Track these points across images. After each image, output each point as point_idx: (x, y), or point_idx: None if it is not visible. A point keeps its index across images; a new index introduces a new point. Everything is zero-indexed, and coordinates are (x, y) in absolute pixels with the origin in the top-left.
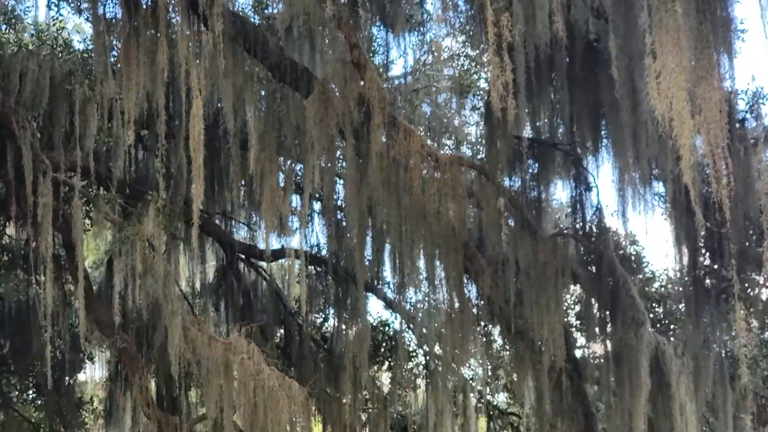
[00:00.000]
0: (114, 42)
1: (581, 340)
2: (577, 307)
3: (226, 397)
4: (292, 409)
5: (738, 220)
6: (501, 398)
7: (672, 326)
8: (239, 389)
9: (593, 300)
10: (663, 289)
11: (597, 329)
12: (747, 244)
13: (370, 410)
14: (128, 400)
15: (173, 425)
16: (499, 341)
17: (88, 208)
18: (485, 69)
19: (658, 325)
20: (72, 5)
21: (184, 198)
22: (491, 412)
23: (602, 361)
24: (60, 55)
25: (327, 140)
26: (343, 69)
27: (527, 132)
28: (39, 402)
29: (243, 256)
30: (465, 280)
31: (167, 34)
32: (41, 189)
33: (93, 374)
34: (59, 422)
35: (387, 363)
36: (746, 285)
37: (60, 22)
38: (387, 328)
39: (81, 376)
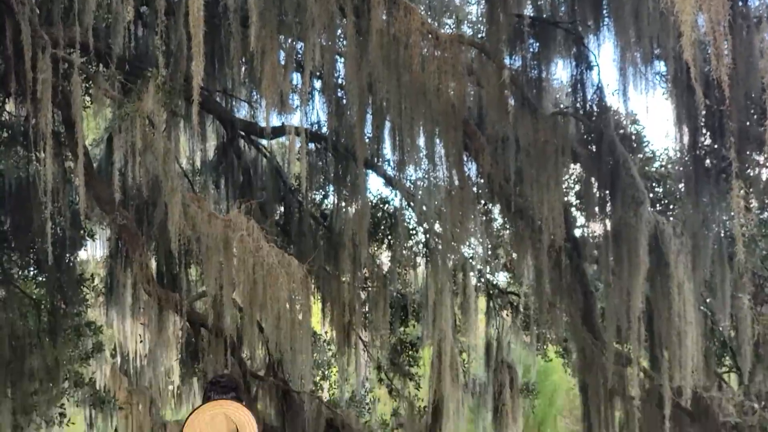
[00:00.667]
0: None
1: (581, 219)
2: (577, 187)
3: (225, 273)
4: (291, 286)
5: (739, 99)
6: (501, 277)
7: (671, 206)
8: (238, 266)
9: (593, 179)
10: (663, 168)
11: (596, 208)
12: (748, 123)
13: (370, 288)
14: (128, 277)
15: (173, 302)
16: (499, 220)
17: (87, 85)
18: None
19: (658, 205)
20: None
21: (184, 75)
22: (491, 291)
23: (601, 240)
24: None
25: (327, 17)
26: None
27: (528, 10)
28: (40, 278)
29: (243, 134)
30: (465, 158)
31: None
32: (40, 65)
33: (94, 252)
34: (60, 299)
35: (387, 241)
36: (746, 164)
37: None
38: (387, 206)
39: (82, 254)
